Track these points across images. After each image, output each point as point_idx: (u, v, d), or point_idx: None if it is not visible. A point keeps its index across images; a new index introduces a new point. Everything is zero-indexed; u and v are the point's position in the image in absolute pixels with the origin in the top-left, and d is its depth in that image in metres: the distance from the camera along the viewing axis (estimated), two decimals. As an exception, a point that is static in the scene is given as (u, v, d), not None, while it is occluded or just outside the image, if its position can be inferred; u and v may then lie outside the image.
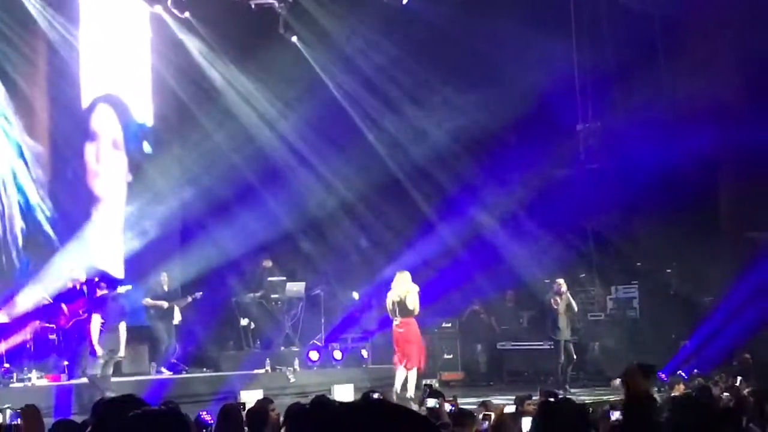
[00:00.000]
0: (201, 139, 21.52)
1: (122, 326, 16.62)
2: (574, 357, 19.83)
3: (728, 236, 22.24)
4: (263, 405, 10.36)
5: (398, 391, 16.97)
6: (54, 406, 14.90)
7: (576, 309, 20.07)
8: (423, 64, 22.62)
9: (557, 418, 6.95)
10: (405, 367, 17.22)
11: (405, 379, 17.22)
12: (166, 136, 21.58)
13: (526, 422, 8.06)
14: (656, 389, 16.86)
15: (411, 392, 16.89)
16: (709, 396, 10.92)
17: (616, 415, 9.19)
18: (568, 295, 19.89)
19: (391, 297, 17.51)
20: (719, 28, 21.82)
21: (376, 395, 10.05)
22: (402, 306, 17.39)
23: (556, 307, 19.61)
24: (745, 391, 13.01)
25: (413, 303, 17.39)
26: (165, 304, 19.43)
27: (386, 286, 22.52)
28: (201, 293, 19.99)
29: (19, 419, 8.18)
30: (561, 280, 19.95)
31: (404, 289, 17.42)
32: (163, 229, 21.08)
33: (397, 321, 17.53)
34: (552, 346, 20.11)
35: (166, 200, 21.16)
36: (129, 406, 5.87)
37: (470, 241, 22.55)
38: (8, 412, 10.93)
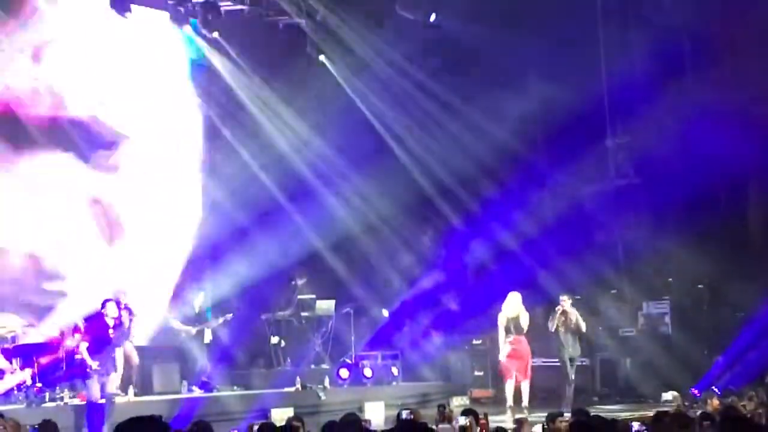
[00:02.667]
0: (230, 157, 21.63)
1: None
2: (572, 378, 19.28)
3: (758, 252, 22.10)
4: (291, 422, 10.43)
5: (512, 404, 18.56)
6: (86, 425, 14.97)
7: (583, 327, 19.45)
8: (450, 82, 22.66)
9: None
10: (516, 379, 18.81)
11: (516, 391, 18.84)
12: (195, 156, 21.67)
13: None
14: (689, 405, 16.81)
15: (526, 401, 18.74)
16: (737, 414, 10.75)
17: (636, 427, 9.22)
18: (575, 312, 19.48)
19: (505, 315, 18.89)
20: (747, 42, 21.72)
21: (405, 413, 10.05)
22: (516, 324, 18.82)
23: (550, 323, 19.34)
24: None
25: (525, 322, 18.86)
26: (193, 330, 19.50)
27: (416, 302, 22.62)
28: (231, 315, 20.04)
29: None
30: (563, 297, 19.56)
31: (517, 308, 18.86)
32: (194, 248, 21.20)
33: (510, 338, 18.86)
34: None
35: (196, 219, 21.28)
36: (146, 426, 5.86)
37: (500, 258, 22.51)
38: (28, 428, 11.04)
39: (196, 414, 15.62)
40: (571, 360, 19.36)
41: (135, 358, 18.09)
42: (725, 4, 21.45)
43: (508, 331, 18.83)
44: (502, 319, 18.86)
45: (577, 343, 19.50)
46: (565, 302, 19.40)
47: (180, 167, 21.49)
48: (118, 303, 16.84)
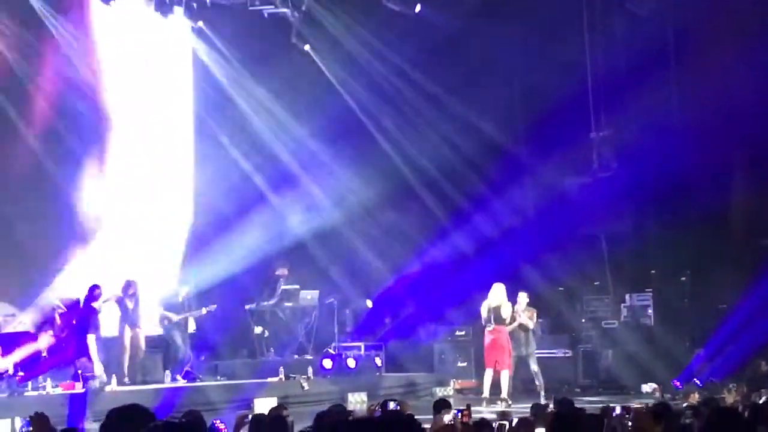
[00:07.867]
0: (213, 146, 21.58)
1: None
2: (535, 369, 19.49)
3: (741, 243, 22.18)
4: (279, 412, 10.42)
5: (488, 395, 18.72)
6: (68, 415, 14.92)
7: (530, 324, 19.54)
8: (435, 73, 22.67)
9: (570, 429, 6.97)
10: (495, 368, 18.90)
11: (494, 380, 18.94)
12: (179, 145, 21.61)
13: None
14: (670, 397, 16.90)
15: (505, 393, 18.71)
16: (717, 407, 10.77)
17: (618, 410, 9.33)
18: (528, 310, 19.54)
19: (487, 305, 19.03)
20: (731, 34, 21.76)
21: (392, 404, 9.98)
22: (497, 314, 18.95)
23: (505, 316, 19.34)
24: (762, 400, 12.97)
25: (507, 313, 19.00)
26: (175, 317, 19.42)
27: (397, 293, 22.65)
28: (215, 305, 19.98)
29: (30, 427, 8.37)
30: (520, 294, 19.64)
31: (499, 299, 18.98)
32: (177, 237, 21.18)
33: (490, 327, 19.04)
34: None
35: (180, 208, 21.24)
36: (133, 416, 5.84)
37: (483, 249, 22.52)
38: (19, 420, 11.05)
39: (179, 404, 15.60)
40: (528, 356, 19.41)
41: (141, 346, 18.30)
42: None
43: (488, 320, 18.99)
44: (483, 309, 19.03)
45: (531, 340, 19.61)
46: (519, 301, 19.43)
47: (169, 158, 21.45)
48: (92, 289, 16.93)
